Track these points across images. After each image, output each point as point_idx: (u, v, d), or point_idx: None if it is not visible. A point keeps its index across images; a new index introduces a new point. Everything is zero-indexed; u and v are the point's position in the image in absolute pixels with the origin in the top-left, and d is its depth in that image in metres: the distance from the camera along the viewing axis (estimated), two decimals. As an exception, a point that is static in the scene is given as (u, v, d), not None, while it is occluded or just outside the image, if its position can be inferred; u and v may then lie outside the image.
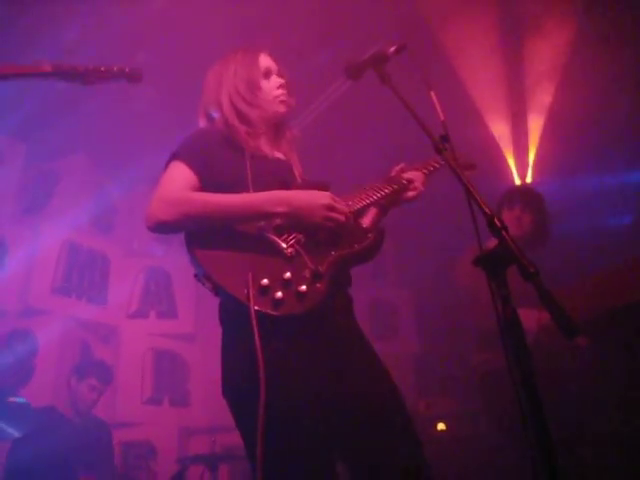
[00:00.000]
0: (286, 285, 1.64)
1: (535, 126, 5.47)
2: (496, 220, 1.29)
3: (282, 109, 2.05)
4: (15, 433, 3.26)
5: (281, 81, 2.07)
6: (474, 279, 2.87)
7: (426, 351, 6.21)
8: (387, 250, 5.02)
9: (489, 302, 1.28)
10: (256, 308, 1.57)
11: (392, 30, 3.97)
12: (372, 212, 2.04)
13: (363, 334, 1.89)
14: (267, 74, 2.07)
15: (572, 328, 1.15)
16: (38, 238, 4.78)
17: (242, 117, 1.96)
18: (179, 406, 5.10)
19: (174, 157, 1.86)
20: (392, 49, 1.84)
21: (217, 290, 1.68)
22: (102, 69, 1.74)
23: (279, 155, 2.06)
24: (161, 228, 1.75)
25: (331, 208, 1.79)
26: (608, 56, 4.63)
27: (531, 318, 2.79)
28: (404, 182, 2.09)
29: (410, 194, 2.08)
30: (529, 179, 5.76)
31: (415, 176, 2.11)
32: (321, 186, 1.89)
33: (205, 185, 1.81)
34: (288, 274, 1.65)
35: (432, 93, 1.68)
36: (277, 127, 2.11)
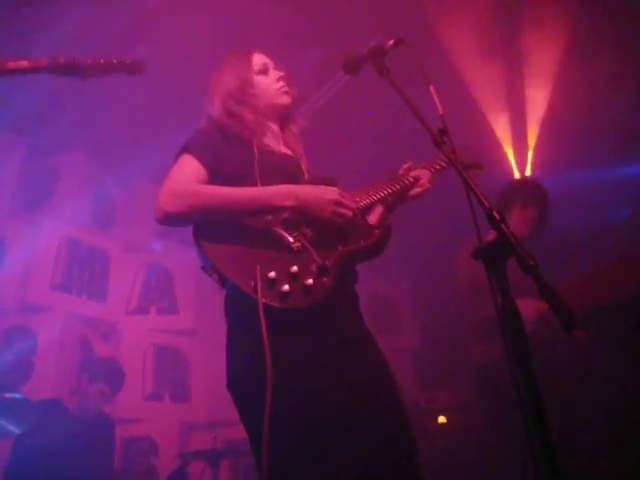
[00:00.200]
0: (293, 278, 1.65)
1: (534, 119, 5.47)
2: (495, 213, 1.29)
3: (285, 100, 2.08)
4: (16, 430, 3.26)
5: (280, 74, 2.10)
6: (474, 271, 2.88)
7: (426, 344, 6.23)
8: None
9: (489, 294, 1.28)
10: (262, 300, 1.58)
11: (390, 24, 3.95)
12: (379, 209, 2.07)
13: (368, 330, 1.90)
14: (264, 70, 2.10)
15: (571, 320, 1.16)
16: (38, 235, 4.77)
17: (241, 119, 1.98)
18: (180, 402, 5.11)
19: (184, 150, 1.88)
20: (390, 43, 1.85)
21: (223, 282, 1.70)
22: (102, 61, 1.70)
23: (286, 150, 2.08)
24: (169, 220, 1.77)
25: (339, 203, 1.81)
26: (606, 50, 4.63)
27: (530, 308, 2.80)
28: (411, 180, 2.12)
29: (416, 191, 2.11)
30: (528, 172, 5.77)
31: (422, 174, 2.14)
32: (329, 182, 1.90)
33: (214, 178, 1.83)
34: (295, 268, 1.66)
35: (431, 87, 1.68)
36: (282, 120, 2.13)
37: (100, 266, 5.12)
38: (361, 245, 1.87)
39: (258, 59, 2.12)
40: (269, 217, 1.78)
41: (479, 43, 4.71)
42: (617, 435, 2.95)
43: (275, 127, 2.10)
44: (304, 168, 2.05)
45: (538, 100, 5.29)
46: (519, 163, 5.82)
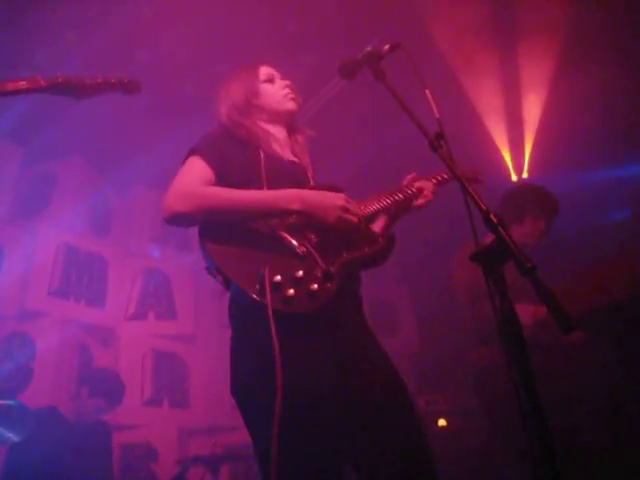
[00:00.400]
0: (298, 283, 1.66)
1: (530, 121, 5.48)
2: (492, 216, 1.29)
3: (291, 106, 2.12)
4: (15, 438, 3.25)
5: (287, 82, 2.15)
6: (472, 275, 2.88)
7: (425, 348, 6.22)
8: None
9: (487, 298, 1.28)
10: (267, 303, 1.58)
11: (386, 28, 3.97)
12: (383, 218, 2.11)
13: (373, 333, 1.91)
14: (271, 79, 2.15)
15: (569, 323, 1.16)
16: (35, 241, 4.77)
17: (247, 128, 2.02)
18: (179, 407, 5.10)
19: (192, 152, 1.90)
20: (386, 47, 1.86)
21: (228, 284, 1.70)
22: (99, 80, 1.70)
23: (293, 158, 2.10)
24: (176, 220, 1.78)
25: (345, 209, 1.82)
26: (600, 54, 4.64)
27: (527, 313, 2.80)
28: (414, 190, 2.14)
29: (419, 202, 2.13)
30: (525, 174, 5.78)
31: (425, 185, 2.16)
32: (334, 189, 1.92)
33: (221, 181, 1.85)
34: (300, 272, 1.67)
35: (427, 91, 1.69)
36: (289, 128, 2.16)
37: (98, 272, 5.11)
38: (365, 252, 1.89)
39: (265, 70, 2.17)
40: (274, 221, 1.79)
41: (475, 47, 4.72)
42: (616, 436, 2.95)
43: (282, 134, 2.13)
44: (310, 176, 2.08)
45: (534, 102, 5.31)
46: (516, 165, 5.83)
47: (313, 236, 1.80)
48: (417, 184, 2.16)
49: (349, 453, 1.72)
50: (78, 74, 1.70)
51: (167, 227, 6.05)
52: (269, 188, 1.84)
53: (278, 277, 1.63)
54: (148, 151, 4.68)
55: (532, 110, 5.37)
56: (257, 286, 1.62)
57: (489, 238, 1.29)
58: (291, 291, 1.63)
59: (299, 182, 1.95)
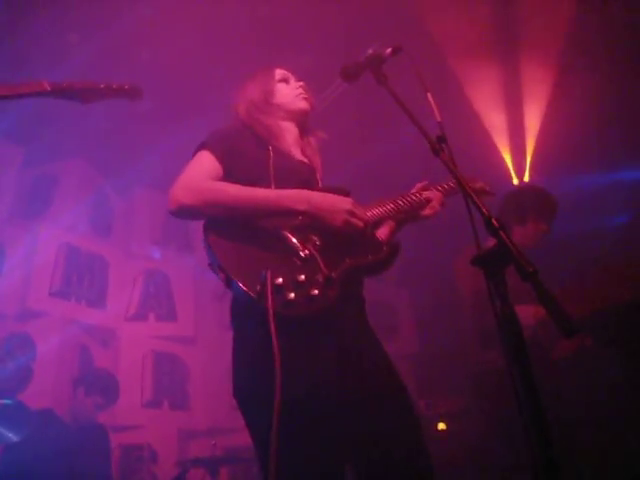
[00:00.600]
0: (299, 287, 1.64)
1: (532, 124, 5.48)
2: (494, 220, 1.30)
3: (304, 105, 2.13)
4: (13, 437, 3.24)
5: (301, 83, 2.17)
6: (474, 279, 2.88)
7: (425, 351, 6.22)
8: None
9: (488, 301, 1.28)
10: (267, 306, 1.58)
11: (388, 33, 3.97)
12: (388, 225, 2.10)
13: (375, 335, 1.90)
14: (286, 80, 2.18)
15: (570, 326, 1.16)
16: (36, 241, 4.77)
17: (260, 123, 2.04)
18: (179, 409, 5.10)
19: (202, 146, 1.91)
20: (388, 51, 1.86)
21: (229, 282, 1.69)
22: (102, 86, 1.73)
23: (303, 158, 2.10)
24: (182, 213, 1.79)
25: (351, 213, 1.81)
26: (607, 48, 4.64)
27: (528, 314, 2.81)
28: (422, 200, 2.13)
29: (427, 212, 2.13)
30: (526, 177, 5.78)
31: (434, 195, 2.16)
32: (342, 192, 1.91)
33: (229, 176, 1.86)
34: (302, 277, 1.66)
35: (428, 94, 1.69)
36: (301, 128, 2.17)
37: (99, 273, 5.12)
38: (368, 260, 1.87)
39: (280, 71, 2.20)
40: (279, 220, 1.78)
41: (476, 51, 4.73)
42: (617, 436, 2.95)
43: (294, 133, 2.13)
44: (319, 177, 2.08)
45: (536, 105, 5.31)
46: (517, 169, 5.83)
47: (317, 239, 1.79)
48: (426, 194, 2.16)
49: (349, 453, 1.72)
50: (81, 79, 1.72)
51: (168, 229, 6.07)
52: (277, 186, 1.84)
53: (280, 280, 1.62)
54: (149, 152, 4.69)
55: (534, 113, 5.38)
56: (258, 287, 1.61)
57: (490, 242, 1.29)
58: (292, 295, 1.62)
59: (307, 182, 1.95)
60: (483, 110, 5.31)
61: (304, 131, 2.18)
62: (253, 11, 4.24)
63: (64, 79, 1.69)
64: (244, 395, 1.74)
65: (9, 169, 4.97)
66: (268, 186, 1.84)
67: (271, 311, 1.56)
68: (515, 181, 5.82)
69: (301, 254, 1.72)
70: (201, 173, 1.83)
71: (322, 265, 1.72)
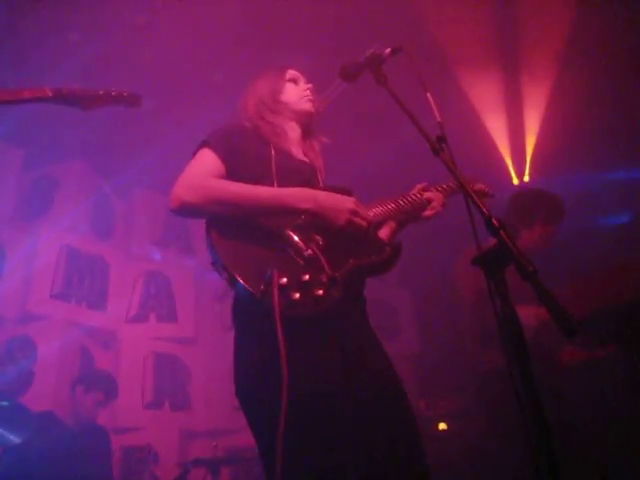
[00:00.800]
0: (303, 287, 1.64)
1: (532, 124, 5.48)
2: (494, 220, 1.30)
3: (308, 106, 2.14)
4: (15, 439, 3.24)
5: (309, 85, 2.18)
6: (474, 279, 2.88)
7: (426, 351, 6.22)
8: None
9: (489, 301, 1.28)
10: (273, 305, 1.56)
11: (387, 31, 3.97)
12: (389, 226, 2.10)
13: (375, 336, 1.90)
14: (295, 80, 2.19)
15: (571, 326, 1.16)
16: (37, 244, 4.77)
17: (266, 121, 2.05)
18: (180, 410, 5.10)
19: (204, 144, 1.90)
20: (388, 51, 1.86)
21: (233, 282, 1.67)
22: (101, 93, 1.74)
23: (304, 158, 2.11)
24: (184, 211, 1.78)
25: (355, 213, 1.81)
26: (606, 49, 4.64)
27: (530, 314, 2.81)
28: (424, 200, 2.14)
29: (428, 213, 2.14)
30: (526, 178, 5.78)
31: (435, 196, 2.16)
32: (344, 192, 1.91)
33: (231, 175, 1.85)
34: (307, 277, 1.65)
35: (428, 94, 1.69)
36: (305, 129, 2.17)
37: (100, 274, 5.12)
38: (372, 260, 1.87)
39: (291, 72, 2.21)
40: (282, 219, 1.78)
41: (476, 52, 4.73)
42: (618, 436, 2.95)
43: (297, 133, 2.14)
44: (320, 178, 2.08)
45: (536, 106, 5.31)
46: (517, 169, 5.84)
47: (320, 238, 1.78)
48: (427, 194, 2.16)
49: (350, 453, 1.72)
50: (81, 85, 1.75)
51: (169, 230, 6.06)
52: (279, 184, 1.83)
53: (284, 279, 1.61)
54: (150, 153, 4.70)
55: (533, 113, 5.38)
56: (262, 286, 1.59)
57: (491, 242, 1.29)
58: (297, 295, 1.61)
59: (309, 182, 1.94)
60: (483, 110, 5.31)
61: (307, 133, 2.19)
62: (253, 11, 4.23)
63: (65, 85, 1.71)
64: (246, 395, 1.73)
65: (9, 171, 4.97)
66: (271, 184, 1.83)
67: (278, 310, 1.55)
68: (515, 181, 5.82)
69: (304, 254, 1.71)
70: (203, 171, 1.82)
71: (326, 265, 1.71)
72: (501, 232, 1.27)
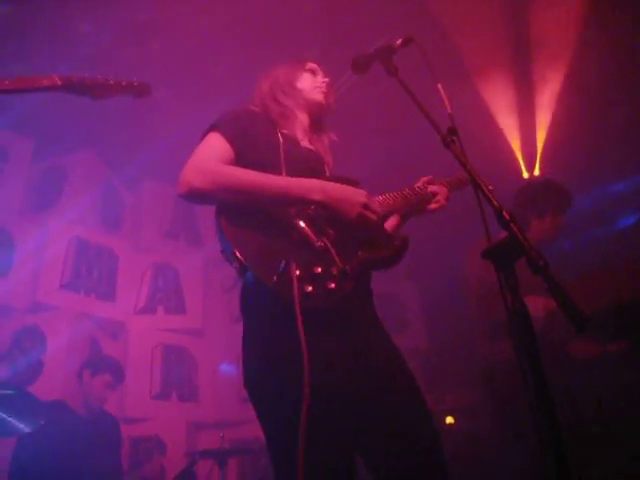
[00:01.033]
0: (316, 280, 1.62)
1: (543, 118, 5.44)
2: (504, 212, 1.29)
3: (319, 97, 2.12)
4: (25, 428, 3.27)
5: (326, 79, 2.17)
6: (485, 272, 2.87)
7: (433, 344, 6.21)
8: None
9: (498, 294, 1.27)
10: (293, 297, 1.55)
11: (398, 22, 3.95)
12: (394, 218, 2.09)
13: (384, 329, 1.89)
14: (314, 72, 2.18)
15: (582, 321, 1.15)
16: (47, 235, 4.80)
17: (277, 102, 2.05)
18: (187, 401, 5.12)
19: (212, 128, 1.87)
20: (398, 42, 1.85)
21: (244, 271, 1.65)
22: (111, 82, 1.73)
23: (310, 146, 2.09)
24: (192, 196, 1.74)
25: (366, 206, 1.80)
26: (617, 46, 4.60)
27: (539, 305, 2.79)
28: (429, 194, 2.13)
29: (433, 206, 2.14)
30: (537, 171, 5.74)
31: (439, 190, 2.16)
32: (350, 182, 1.89)
33: (239, 159, 1.82)
34: (319, 269, 1.63)
35: (439, 85, 1.68)
36: (314, 121, 2.15)
37: (108, 266, 5.14)
38: (382, 254, 1.85)
39: (311, 63, 2.21)
40: (292, 209, 1.76)
41: (487, 43, 4.69)
42: (626, 430, 2.93)
43: (305, 123, 2.12)
44: (327, 168, 2.06)
45: (547, 99, 5.27)
46: (527, 162, 5.80)
47: (330, 230, 1.76)
48: (431, 187, 2.15)
49: (361, 445, 1.71)
50: (91, 74, 1.73)
51: (177, 222, 6.06)
52: (288, 172, 1.81)
53: (297, 272, 1.59)
54: (158, 145, 4.70)
55: (545, 107, 5.34)
56: (275, 277, 1.57)
57: (501, 235, 1.28)
58: (310, 288, 1.59)
59: (315, 170, 1.93)
60: (493, 103, 5.28)
61: (316, 126, 2.17)
62: (262, 4, 4.22)
63: (74, 73, 1.69)
64: (255, 386, 1.73)
65: (19, 162, 4.99)
66: (279, 171, 1.81)
67: (298, 302, 1.53)
68: (525, 175, 5.78)
69: (315, 245, 1.69)
70: (212, 156, 1.79)
71: (336, 258, 1.69)
72: (512, 225, 1.26)
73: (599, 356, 2.98)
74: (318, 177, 1.86)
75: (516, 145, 5.69)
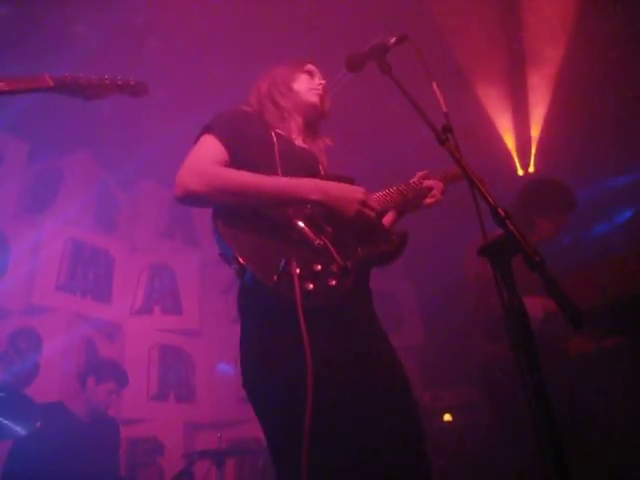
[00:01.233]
0: (316, 277, 1.62)
1: (538, 115, 5.45)
2: (500, 210, 1.29)
3: (314, 99, 2.12)
4: (20, 431, 3.26)
5: (323, 82, 2.17)
6: (482, 270, 2.87)
7: (430, 342, 6.22)
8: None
9: (494, 291, 1.27)
10: (281, 294, 1.55)
11: (392, 21, 3.95)
12: (390, 215, 2.10)
13: (381, 327, 1.90)
14: (312, 74, 2.18)
15: (578, 316, 1.15)
16: (42, 236, 4.78)
17: (275, 102, 2.05)
18: (185, 402, 5.12)
19: (206, 130, 1.87)
20: (393, 40, 1.84)
21: (243, 272, 1.65)
22: (106, 81, 1.70)
23: (304, 145, 2.09)
24: (189, 199, 1.74)
25: (364, 204, 1.80)
26: (610, 41, 4.61)
27: (537, 306, 2.79)
28: (425, 188, 2.14)
29: (429, 201, 2.14)
30: (531, 169, 5.76)
31: (435, 184, 2.16)
32: (346, 180, 1.89)
33: (234, 160, 1.82)
34: (319, 267, 1.63)
35: (434, 84, 1.68)
36: (308, 124, 2.15)
37: (104, 267, 5.13)
38: (381, 250, 1.86)
39: (310, 65, 2.20)
40: (290, 209, 1.75)
41: (482, 41, 4.70)
42: (624, 429, 2.94)
43: (300, 124, 2.11)
44: (321, 167, 2.06)
45: (541, 96, 5.28)
46: (522, 160, 5.81)
47: (329, 228, 1.76)
48: (427, 182, 2.16)
49: (356, 443, 1.71)
50: (85, 74, 1.69)
51: (173, 222, 6.03)
52: (283, 171, 1.81)
53: (298, 270, 1.59)
54: (153, 146, 4.69)
55: (539, 104, 5.35)
56: (275, 277, 1.57)
57: (498, 231, 1.28)
58: (310, 286, 1.59)
59: (311, 169, 1.93)
60: (488, 101, 5.28)
61: (312, 129, 2.17)
62: (258, 4, 4.21)
63: (68, 73, 1.65)
64: (254, 386, 1.73)
65: (14, 164, 4.98)
66: (274, 171, 1.81)
67: (300, 301, 1.53)
68: (520, 172, 5.79)
69: (314, 243, 1.69)
70: (207, 157, 1.78)
71: (336, 255, 1.69)
72: (507, 222, 1.26)
73: (594, 352, 2.99)
74: (313, 176, 1.86)
75: (510, 142, 5.70)
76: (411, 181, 2.17)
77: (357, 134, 4.90)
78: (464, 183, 1.48)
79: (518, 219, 1.39)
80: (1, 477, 3.49)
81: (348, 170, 1.97)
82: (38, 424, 3.19)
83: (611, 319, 2.92)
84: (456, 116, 1.66)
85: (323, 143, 2.17)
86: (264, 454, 4.10)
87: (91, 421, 3.88)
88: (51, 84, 1.60)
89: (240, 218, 1.71)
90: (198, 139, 1.87)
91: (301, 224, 1.73)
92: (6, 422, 3.13)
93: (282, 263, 1.59)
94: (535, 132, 5.58)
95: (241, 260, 1.61)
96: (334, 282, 1.63)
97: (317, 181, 1.80)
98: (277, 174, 1.81)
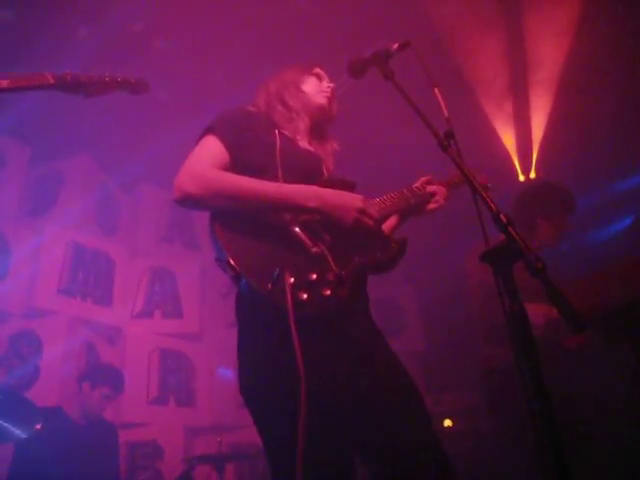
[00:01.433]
0: (311, 287, 1.60)
1: (539, 122, 5.46)
2: (502, 215, 1.29)
3: (322, 100, 2.12)
4: (21, 434, 3.25)
5: (332, 85, 2.17)
6: (484, 275, 2.86)
7: (431, 347, 6.21)
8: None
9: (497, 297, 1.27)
10: (285, 306, 1.53)
11: (394, 27, 3.96)
12: (392, 219, 2.08)
13: (381, 333, 1.88)
14: (320, 77, 2.18)
15: (579, 322, 1.15)
16: (43, 239, 4.78)
17: (284, 102, 2.04)
18: (185, 406, 5.11)
19: (208, 130, 1.86)
20: (395, 46, 1.85)
21: (238, 278, 1.63)
22: (106, 79, 1.70)
23: (308, 147, 2.08)
24: (187, 202, 1.73)
25: (362, 212, 1.79)
26: (613, 44, 4.61)
27: (538, 313, 2.79)
28: (428, 194, 2.14)
29: (431, 206, 2.14)
30: (532, 174, 5.76)
31: (438, 190, 2.16)
32: (348, 185, 1.89)
33: (235, 162, 1.80)
34: (314, 276, 1.61)
35: (436, 90, 1.68)
36: (316, 126, 2.15)
37: (105, 270, 5.13)
38: (377, 258, 1.84)
39: (318, 69, 2.20)
40: (287, 215, 1.73)
41: (483, 48, 4.71)
42: (623, 438, 2.94)
43: (306, 125, 2.10)
44: (324, 169, 2.04)
45: (542, 102, 5.29)
46: (523, 166, 5.81)
47: (327, 235, 1.74)
48: (430, 188, 2.16)
49: (362, 452, 1.70)
50: (86, 72, 1.69)
51: (173, 226, 6.03)
52: (283, 172, 1.79)
53: (292, 279, 1.57)
54: (154, 149, 4.69)
55: (540, 110, 5.35)
56: (269, 285, 1.56)
57: (501, 237, 1.28)
58: (304, 295, 1.57)
59: (313, 171, 1.92)
60: (489, 108, 5.29)
61: (320, 131, 2.16)
62: (259, 8, 4.22)
63: (68, 71, 1.65)
64: (251, 392, 1.72)
65: (15, 167, 4.98)
66: (275, 173, 1.79)
67: (292, 312, 1.52)
68: (521, 178, 5.80)
69: (311, 251, 1.68)
70: (207, 160, 1.77)
71: (332, 263, 1.67)
72: (509, 228, 1.26)
73: (595, 357, 2.98)
74: (315, 178, 1.85)
75: (512, 148, 5.71)
76: (414, 186, 2.17)
77: (358, 138, 4.90)
78: (466, 188, 1.48)
79: (518, 223, 1.39)
80: None
81: (350, 175, 1.97)
82: (38, 426, 3.19)
83: (612, 325, 2.91)
84: (457, 122, 1.66)
85: (330, 147, 2.16)
86: (264, 459, 4.09)
87: (87, 424, 3.88)
88: (52, 81, 1.60)
89: (237, 223, 1.70)
90: (200, 139, 1.86)
91: (298, 231, 1.71)
92: (6, 425, 3.13)
93: (276, 272, 1.57)
94: (536, 138, 5.59)
95: (235, 267, 1.60)
96: (329, 292, 1.61)
97: (315, 188, 1.79)
98: (277, 175, 1.80)
